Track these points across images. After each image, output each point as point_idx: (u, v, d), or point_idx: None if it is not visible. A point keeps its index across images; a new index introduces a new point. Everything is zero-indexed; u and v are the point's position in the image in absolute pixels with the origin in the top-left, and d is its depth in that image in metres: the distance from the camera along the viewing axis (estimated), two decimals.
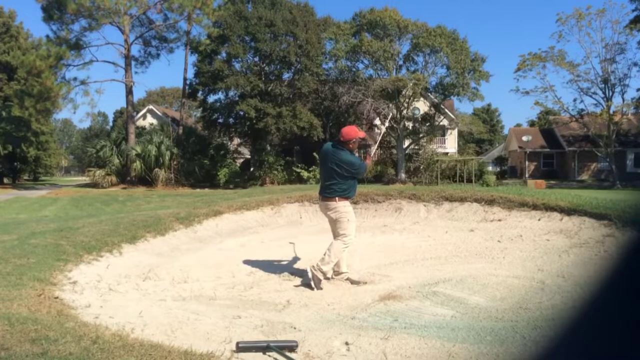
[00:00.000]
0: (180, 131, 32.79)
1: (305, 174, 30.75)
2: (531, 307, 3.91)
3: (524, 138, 42.20)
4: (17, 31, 39.12)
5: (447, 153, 38.56)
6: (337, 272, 5.05)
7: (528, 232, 6.64)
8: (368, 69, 32.24)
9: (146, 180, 29.95)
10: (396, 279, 4.94)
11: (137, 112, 41.72)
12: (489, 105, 69.84)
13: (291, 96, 31.82)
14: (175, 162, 30.81)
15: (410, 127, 33.46)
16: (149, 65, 47.86)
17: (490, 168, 47.35)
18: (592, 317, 1.18)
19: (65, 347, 2.54)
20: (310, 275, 4.77)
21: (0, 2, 47.52)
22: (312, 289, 4.70)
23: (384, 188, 10.74)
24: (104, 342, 2.68)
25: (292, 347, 3.11)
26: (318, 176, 24.20)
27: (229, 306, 4.16)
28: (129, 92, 31.85)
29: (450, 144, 41.64)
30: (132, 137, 31.14)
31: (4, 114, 34.04)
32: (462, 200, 8.21)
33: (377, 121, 34.31)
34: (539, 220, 7.05)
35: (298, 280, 5.00)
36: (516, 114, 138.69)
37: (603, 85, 32.87)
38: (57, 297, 3.92)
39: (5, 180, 39.30)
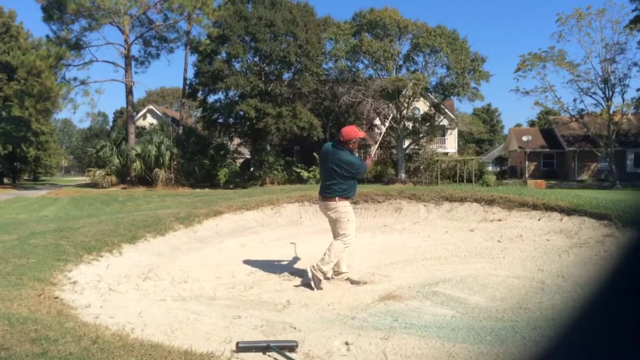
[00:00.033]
0: (180, 131, 32.80)
1: (305, 174, 30.75)
2: (531, 307, 3.91)
3: (524, 138, 42.20)
4: (17, 31, 39.12)
5: (447, 153, 38.56)
6: (337, 272, 5.05)
7: (528, 232, 6.64)
8: (368, 69, 32.28)
9: (146, 180, 29.96)
10: (396, 279, 4.94)
11: (137, 112, 41.73)
12: (489, 105, 69.90)
13: (291, 96, 31.82)
14: (175, 162, 30.81)
15: (410, 127, 33.46)
16: (149, 65, 47.94)
17: (490, 168, 47.35)
18: (592, 317, 1.18)
19: (65, 347, 2.54)
20: (310, 275, 4.77)
21: (0, 2, 47.56)
22: (312, 289, 4.70)
23: (384, 188, 10.74)
24: (104, 342, 2.68)
25: (292, 347, 3.11)
26: (318, 176, 24.21)
27: (229, 306, 4.16)
28: (129, 92, 31.85)
29: (450, 144, 41.65)
30: (132, 137, 31.14)
31: (4, 114, 34.04)
32: (462, 200, 8.21)
33: (377, 121, 34.32)
34: (539, 220, 7.05)
35: (298, 280, 5.00)
36: (516, 114, 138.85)
37: (603, 85, 32.88)
38: (57, 297, 3.92)
39: (5, 180, 39.30)
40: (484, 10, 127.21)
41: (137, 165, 29.76)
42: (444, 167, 33.23)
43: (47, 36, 29.94)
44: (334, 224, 5.03)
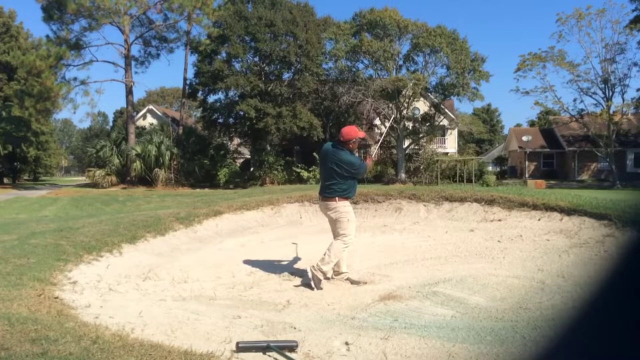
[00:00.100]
0: (180, 131, 32.80)
1: (305, 174, 30.75)
2: (531, 307, 3.91)
3: (524, 138, 42.20)
4: (17, 31, 39.12)
5: (447, 153, 38.56)
6: (337, 272, 5.05)
7: (528, 232, 6.64)
8: (368, 69, 32.28)
9: (146, 180, 29.96)
10: (396, 279, 4.94)
11: (137, 112, 41.73)
12: (489, 105, 69.89)
13: (291, 96, 31.82)
14: (175, 162, 30.82)
15: (410, 127, 33.47)
16: (149, 65, 47.94)
17: (490, 168, 47.34)
18: (592, 317, 1.18)
19: (65, 347, 2.54)
20: (310, 275, 4.77)
21: (0, 2, 47.56)
22: (312, 289, 4.70)
23: (384, 188, 10.74)
24: (104, 342, 2.68)
25: (292, 347, 3.11)
26: (318, 176, 24.20)
27: (229, 306, 4.16)
28: (129, 92, 31.86)
29: (450, 144, 41.65)
30: (132, 137, 31.14)
31: (4, 114, 34.05)
32: (462, 200, 8.21)
33: (377, 121, 34.32)
34: (539, 220, 7.05)
35: (298, 280, 5.00)
36: (516, 114, 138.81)
37: (603, 85, 32.89)
38: (57, 297, 3.92)
39: (5, 180, 39.30)
40: (484, 10, 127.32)
41: (137, 165, 29.76)
42: (444, 167, 33.23)
43: (47, 36, 29.99)
44: (334, 224, 5.03)
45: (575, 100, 37.68)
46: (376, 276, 5.08)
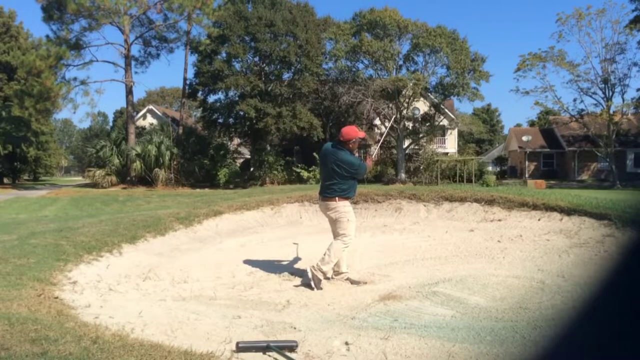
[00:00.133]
0: (180, 131, 32.80)
1: (305, 174, 30.76)
2: (531, 307, 3.91)
3: (524, 138, 42.19)
4: (17, 31, 39.11)
5: (447, 153, 38.57)
6: (337, 272, 5.05)
7: (528, 232, 6.64)
8: (368, 69, 32.29)
9: (146, 180, 29.97)
10: (396, 279, 4.94)
11: (137, 112, 41.73)
12: (489, 105, 69.87)
13: (291, 96, 31.82)
14: (175, 162, 30.82)
15: (410, 127, 33.47)
16: (149, 65, 48.10)
17: (490, 168, 47.35)
18: (592, 317, 1.18)
19: (65, 347, 2.54)
20: (310, 275, 4.77)
21: (0, 2, 47.57)
22: (312, 289, 4.70)
23: (384, 188, 10.74)
24: (104, 342, 2.68)
25: (292, 347, 3.11)
26: (318, 176, 24.21)
27: (229, 306, 4.16)
28: (129, 92, 31.86)
29: (450, 144, 41.65)
30: (132, 137, 31.15)
31: (4, 114, 34.05)
32: (462, 200, 8.21)
33: (377, 121, 34.33)
34: (539, 220, 7.05)
35: (298, 280, 5.00)
36: (516, 114, 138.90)
37: (603, 85, 32.89)
38: (57, 297, 3.92)
39: (5, 180, 39.30)
40: (484, 10, 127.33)
41: (137, 165, 29.76)
42: (444, 167, 33.25)
43: (47, 36, 29.99)
44: (334, 224, 5.03)
45: (575, 100, 37.73)
46: (376, 276, 5.08)
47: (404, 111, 31.76)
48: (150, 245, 6.32)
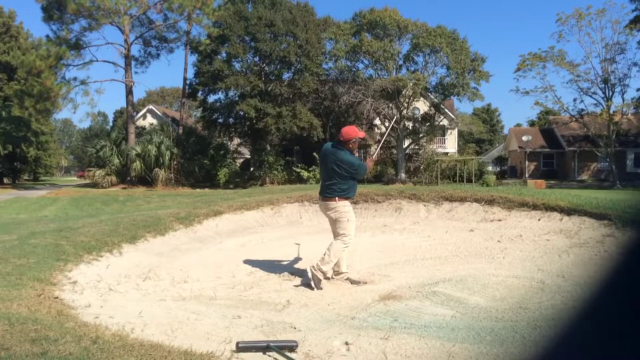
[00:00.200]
0: (180, 131, 32.80)
1: (305, 174, 30.76)
2: (531, 307, 3.91)
3: (524, 138, 42.18)
4: (17, 31, 39.13)
5: (447, 153, 38.58)
6: (337, 272, 5.05)
7: (528, 232, 6.64)
8: (368, 69, 32.29)
9: (146, 180, 29.97)
10: (396, 279, 4.94)
11: (137, 112, 41.74)
12: (489, 105, 69.88)
13: (291, 96, 31.82)
14: (175, 162, 30.82)
15: (410, 127, 33.47)
16: (149, 65, 48.11)
17: (490, 168, 47.34)
18: (592, 317, 1.18)
19: (65, 347, 2.54)
20: (310, 275, 4.77)
21: (0, 2, 47.57)
22: (312, 289, 4.70)
23: (384, 188, 10.74)
24: (104, 342, 2.68)
25: (292, 347, 3.11)
26: (318, 176, 24.21)
27: (229, 306, 4.16)
28: (129, 92, 31.87)
29: (450, 144, 41.66)
30: (132, 137, 31.15)
31: (4, 114, 34.05)
32: (462, 200, 8.21)
33: (377, 121, 34.33)
34: (539, 220, 7.05)
35: (298, 280, 5.00)
36: (516, 114, 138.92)
37: (603, 85, 32.89)
38: (57, 297, 3.92)
39: (5, 180, 39.32)
40: (484, 10, 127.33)
41: (137, 165, 29.77)
42: (444, 167, 33.26)
43: (47, 36, 30.01)
44: (334, 224, 5.03)
45: (575, 100, 37.71)
46: (376, 276, 5.08)
47: (404, 111, 31.76)
48: (150, 245, 6.32)
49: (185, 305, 4.17)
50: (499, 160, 52.19)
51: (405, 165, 32.75)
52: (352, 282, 4.95)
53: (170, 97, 67.59)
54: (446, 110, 34.98)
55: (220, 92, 32.42)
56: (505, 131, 64.08)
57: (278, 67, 31.84)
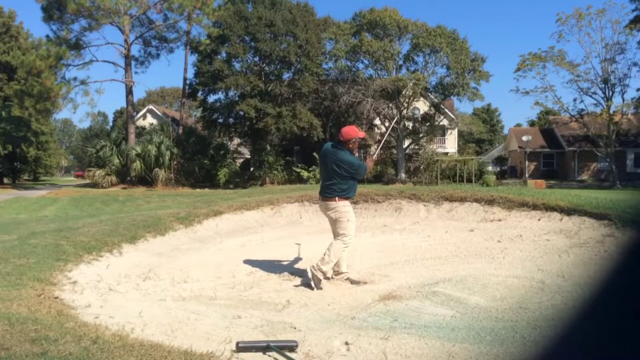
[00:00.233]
0: (180, 131, 32.81)
1: (305, 174, 30.77)
2: (531, 307, 3.91)
3: (524, 138, 42.18)
4: (17, 31, 39.13)
5: (447, 153, 38.58)
6: (337, 272, 5.05)
7: (528, 232, 6.64)
8: (368, 69, 32.30)
9: (146, 180, 29.97)
10: (396, 279, 4.94)
11: (137, 112, 41.74)
12: (489, 105, 69.87)
13: (291, 96, 31.83)
14: (175, 162, 30.82)
15: (410, 127, 33.48)
16: (149, 65, 48.11)
17: (490, 168, 47.34)
18: (592, 317, 1.18)
19: (65, 347, 2.54)
20: (310, 275, 4.77)
21: (0, 2, 47.58)
22: (312, 289, 4.70)
23: (384, 188, 10.74)
24: (104, 342, 2.68)
25: (292, 347, 3.11)
26: (318, 176, 24.21)
27: (229, 306, 4.16)
28: (129, 92, 31.87)
29: (450, 144, 41.66)
30: (132, 137, 31.15)
31: (4, 114, 34.05)
32: (462, 200, 8.21)
33: (377, 121, 34.33)
34: (539, 220, 7.05)
35: (298, 280, 5.00)
36: (516, 114, 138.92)
37: (603, 85, 32.90)
38: (57, 297, 3.92)
39: (5, 180, 39.32)
40: (484, 10, 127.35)
41: (137, 165, 29.77)
42: (444, 167, 33.27)
43: (47, 36, 30.01)
44: (334, 224, 5.03)
45: (575, 100, 37.72)
46: (376, 276, 5.08)
47: (404, 111, 31.76)
48: (150, 245, 6.33)
49: (185, 305, 4.17)
50: (499, 160, 52.19)
51: (405, 165, 32.75)
52: (352, 282, 4.95)
53: (170, 97, 67.59)
54: (446, 110, 34.99)
55: (220, 92, 32.47)
56: (505, 131, 64.13)
57: (278, 67, 31.84)
